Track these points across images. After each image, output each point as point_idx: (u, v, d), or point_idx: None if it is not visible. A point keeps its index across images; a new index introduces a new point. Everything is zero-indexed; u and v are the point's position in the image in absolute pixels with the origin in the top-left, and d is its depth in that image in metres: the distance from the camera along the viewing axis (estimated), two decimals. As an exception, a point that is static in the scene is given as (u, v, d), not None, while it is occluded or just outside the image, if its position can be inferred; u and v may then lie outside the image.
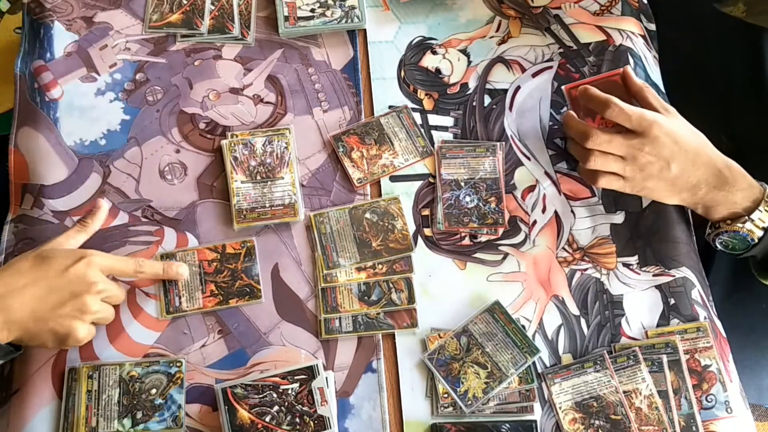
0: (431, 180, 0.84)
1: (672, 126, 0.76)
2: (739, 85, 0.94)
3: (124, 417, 0.72)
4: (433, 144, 0.85)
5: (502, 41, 0.91)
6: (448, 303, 0.78)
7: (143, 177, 0.83)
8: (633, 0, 0.93)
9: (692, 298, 0.79)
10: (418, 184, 0.84)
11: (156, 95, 0.87)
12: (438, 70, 0.89)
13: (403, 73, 0.89)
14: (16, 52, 0.87)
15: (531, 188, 0.84)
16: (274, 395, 0.73)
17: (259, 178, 0.82)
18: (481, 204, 0.82)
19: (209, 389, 0.74)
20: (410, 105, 0.87)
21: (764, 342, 0.93)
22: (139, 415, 0.72)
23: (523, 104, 0.87)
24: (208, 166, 0.84)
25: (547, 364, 0.76)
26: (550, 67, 0.89)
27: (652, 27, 0.93)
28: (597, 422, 0.73)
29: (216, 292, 0.77)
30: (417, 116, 0.86)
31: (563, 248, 0.81)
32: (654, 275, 0.80)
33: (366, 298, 0.78)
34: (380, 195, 0.83)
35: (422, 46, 0.91)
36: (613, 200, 0.83)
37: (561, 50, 0.90)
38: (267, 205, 0.81)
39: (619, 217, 0.82)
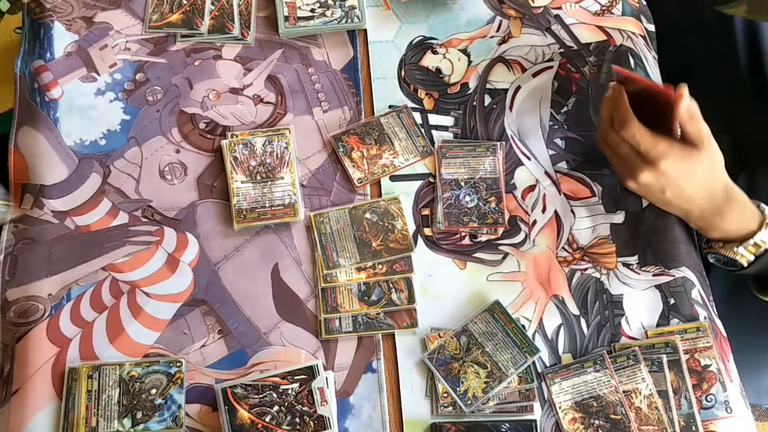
0: (431, 180, 0.84)
1: (681, 166, 0.73)
2: (740, 84, 0.94)
3: (124, 417, 0.72)
4: (433, 143, 0.85)
5: (503, 41, 0.91)
6: (448, 303, 0.78)
7: (143, 177, 0.83)
8: (633, 1, 0.94)
9: (692, 298, 0.79)
10: (418, 183, 0.84)
11: (156, 95, 0.87)
12: (438, 70, 0.89)
13: (403, 73, 0.89)
14: (16, 52, 0.88)
15: (531, 188, 0.84)
16: (274, 395, 0.73)
17: (259, 178, 0.82)
18: (481, 204, 0.82)
19: (209, 389, 0.74)
20: (410, 105, 0.87)
21: (764, 342, 0.93)
22: (139, 415, 0.72)
23: (524, 104, 0.87)
24: (208, 166, 0.84)
25: (547, 364, 0.76)
26: (551, 67, 0.89)
27: (652, 28, 0.93)
28: (597, 422, 0.73)
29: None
30: (417, 116, 0.86)
31: (563, 248, 0.81)
32: (654, 275, 0.80)
33: (366, 298, 0.78)
34: (380, 195, 0.83)
35: (423, 46, 0.91)
36: (613, 200, 0.83)
37: (561, 50, 0.90)
38: (267, 205, 0.81)
39: (619, 217, 0.82)
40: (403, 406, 0.75)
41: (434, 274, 0.80)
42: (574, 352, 0.77)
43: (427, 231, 0.82)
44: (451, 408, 0.74)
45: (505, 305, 0.78)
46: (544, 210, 0.83)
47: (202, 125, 0.85)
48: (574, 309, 0.79)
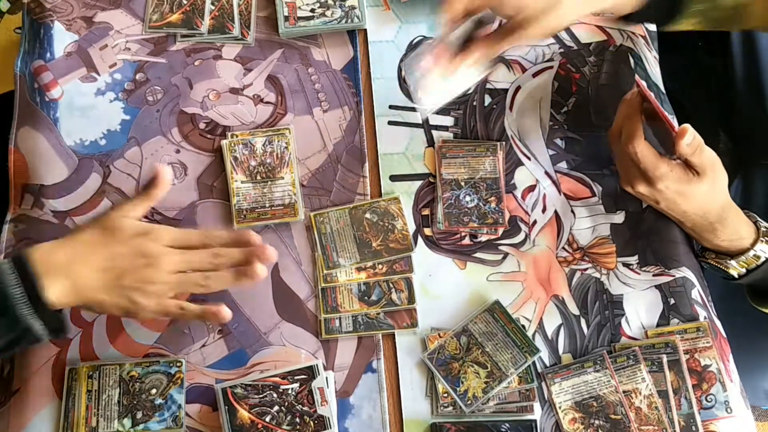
0: (431, 179, 0.84)
1: (678, 189, 0.73)
2: (739, 84, 0.94)
3: (124, 417, 0.72)
4: (433, 144, 0.85)
5: (503, 41, 0.91)
6: (448, 303, 0.78)
7: (143, 177, 0.83)
8: (633, 0, 0.93)
9: (692, 298, 0.79)
10: (418, 183, 0.84)
11: (156, 95, 0.87)
12: (438, 70, 0.89)
13: (403, 73, 0.89)
14: (16, 52, 0.88)
15: (531, 188, 0.84)
16: (274, 395, 0.73)
17: (259, 178, 0.82)
18: (481, 204, 0.82)
19: (209, 389, 0.74)
20: (410, 104, 0.87)
21: (764, 342, 0.93)
22: (139, 415, 0.73)
23: (524, 104, 0.87)
24: (208, 166, 0.84)
25: (547, 364, 0.76)
26: (551, 67, 0.89)
27: (652, 28, 0.93)
28: (597, 422, 0.73)
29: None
30: (417, 116, 0.86)
31: (563, 248, 0.81)
32: (654, 275, 0.80)
33: (366, 298, 0.78)
34: (380, 195, 0.83)
35: (422, 46, 0.91)
36: (613, 200, 0.83)
37: (561, 50, 0.90)
38: (267, 205, 0.81)
39: (619, 217, 0.82)
40: (403, 406, 0.75)
41: (434, 274, 0.80)
42: (574, 352, 0.77)
43: (427, 231, 0.82)
44: (451, 408, 0.74)
45: (505, 305, 0.78)
46: (544, 210, 0.83)
47: (202, 125, 0.85)
48: (574, 309, 0.79)
